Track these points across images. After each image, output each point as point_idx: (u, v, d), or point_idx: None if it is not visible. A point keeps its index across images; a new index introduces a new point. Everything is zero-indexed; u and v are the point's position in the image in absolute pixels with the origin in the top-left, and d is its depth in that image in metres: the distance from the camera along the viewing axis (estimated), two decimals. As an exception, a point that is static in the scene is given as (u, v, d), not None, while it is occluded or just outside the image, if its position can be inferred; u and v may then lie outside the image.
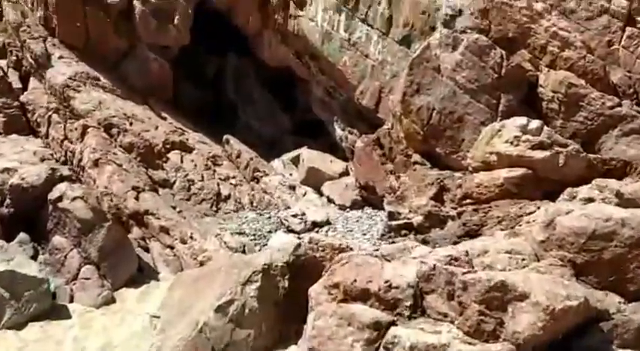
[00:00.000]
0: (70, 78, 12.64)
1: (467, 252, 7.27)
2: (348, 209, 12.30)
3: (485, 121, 10.22)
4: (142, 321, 8.52)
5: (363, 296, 6.72)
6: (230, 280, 7.54)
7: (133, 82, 14.10)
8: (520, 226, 8.33)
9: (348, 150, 14.20)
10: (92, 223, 9.01)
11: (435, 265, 6.69)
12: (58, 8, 13.30)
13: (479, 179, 9.37)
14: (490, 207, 9.07)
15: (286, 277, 7.78)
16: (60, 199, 9.07)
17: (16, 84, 12.82)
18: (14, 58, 13.31)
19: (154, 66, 14.28)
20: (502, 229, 8.64)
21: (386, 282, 6.66)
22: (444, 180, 10.05)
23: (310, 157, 13.86)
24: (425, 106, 10.63)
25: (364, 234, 11.00)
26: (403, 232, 10.26)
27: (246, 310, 7.43)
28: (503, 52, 10.14)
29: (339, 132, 14.35)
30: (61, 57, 13.14)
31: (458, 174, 10.07)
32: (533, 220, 8.11)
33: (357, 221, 11.71)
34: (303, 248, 8.25)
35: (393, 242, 10.39)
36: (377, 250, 10.22)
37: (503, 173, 9.08)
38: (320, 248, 9.22)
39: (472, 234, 9.12)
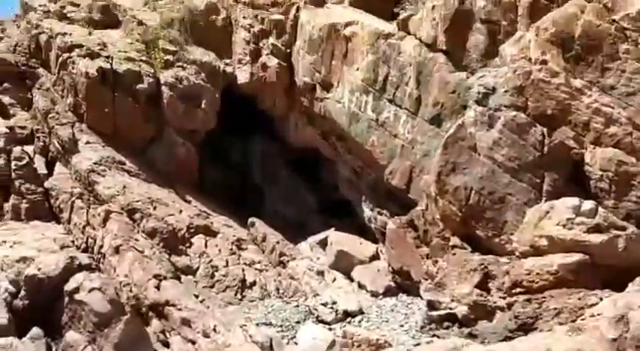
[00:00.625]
0: (95, 163, 12.14)
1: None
2: (381, 296, 11.20)
3: (529, 202, 9.31)
4: None
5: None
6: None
7: (160, 166, 13.58)
8: (583, 319, 7.19)
9: (377, 231, 13.29)
10: (109, 316, 8.09)
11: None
12: (87, 95, 13.04)
13: (529, 265, 8.33)
14: (545, 297, 7.97)
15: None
16: (76, 290, 8.22)
17: (42, 170, 12.33)
18: (41, 143, 12.92)
19: (180, 150, 13.80)
20: (561, 323, 7.50)
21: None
22: (489, 266, 9.02)
23: (339, 239, 12.93)
24: (462, 185, 9.80)
25: (401, 325, 9.85)
26: (445, 324, 9.13)
27: None
28: (544, 129, 9.37)
29: (367, 212, 13.51)
30: (87, 142, 12.71)
31: (503, 259, 9.04)
32: (598, 314, 6.97)
33: (392, 310, 10.59)
34: (337, 347, 7.17)
35: (435, 335, 9.26)
36: (418, 344, 9.13)
37: (557, 259, 8.05)
38: (356, 343, 8.15)
39: (526, 328, 7.97)
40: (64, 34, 13.93)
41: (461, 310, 8.91)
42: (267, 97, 14.80)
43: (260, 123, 15.39)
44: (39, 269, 8.54)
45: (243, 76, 14.89)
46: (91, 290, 8.13)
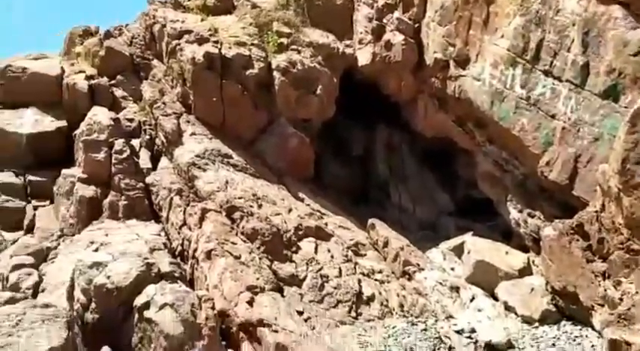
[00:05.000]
0: (197, 155, 10.59)
1: None
2: (537, 324, 8.31)
3: None
4: None
5: None
6: None
7: (270, 159, 11.76)
8: None
9: (528, 238, 10.33)
10: (182, 340, 6.29)
11: None
12: (193, 82, 11.60)
13: None
14: None
15: None
16: (147, 305, 6.54)
17: (146, 164, 11.07)
18: (147, 136, 11.72)
19: (293, 141, 11.88)
20: None
21: None
22: None
23: (478, 246, 10.16)
24: (662, 177, 6.63)
25: (569, 370, 6.94)
26: (639, 376, 6.08)
27: None
28: None
29: (514, 214, 10.59)
30: (193, 134, 11.24)
31: None
32: None
33: (554, 345, 7.68)
34: None
35: (623, 392, 6.22)
36: (597, 404, 6.18)
37: None
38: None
39: None
40: (176, 21, 12.70)
41: (666, 359, 5.82)
42: (391, 79, 12.48)
43: (384, 110, 13.08)
44: (108, 277, 7.02)
45: (364, 57, 12.72)
46: (162, 307, 6.40)
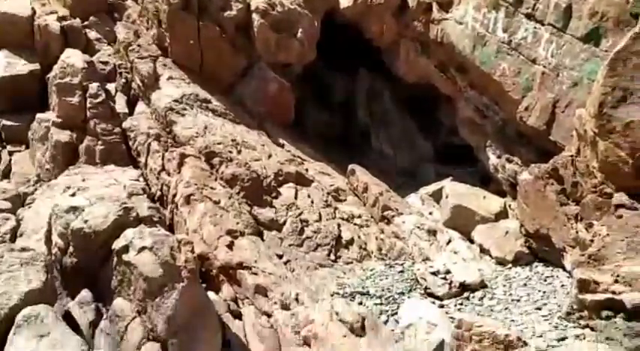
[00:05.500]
0: (175, 100, 10.38)
1: None
2: (510, 265, 8.53)
3: None
4: None
5: None
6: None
7: (250, 104, 11.59)
8: None
9: (506, 183, 10.44)
10: (161, 283, 6.35)
11: None
12: (170, 24, 11.22)
13: None
14: None
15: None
16: (125, 249, 6.56)
17: (122, 109, 10.82)
18: (123, 80, 11.41)
19: (273, 86, 11.68)
20: None
21: None
22: (678, 237, 5.98)
23: (456, 191, 10.26)
24: (637, 121, 6.66)
25: (538, 308, 7.16)
26: (605, 313, 6.32)
27: None
28: None
29: (493, 160, 10.66)
30: (170, 78, 10.98)
31: (703, 228, 5.95)
32: None
33: (525, 285, 7.89)
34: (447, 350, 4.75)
35: (589, 327, 6.49)
36: (563, 338, 6.44)
37: None
38: (475, 338, 5.67)
39: None
40: (151, -42, 12.13)
41: (631, 297, 6.07)
42: (373, 22, 12.23)
43: (366, 56, 12.83)
44: (85, 222, 6.98)
45: (346, -2, 12.34)
46: (141, 250, 6.42)
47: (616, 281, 6.32)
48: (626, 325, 6.07)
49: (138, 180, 9.13)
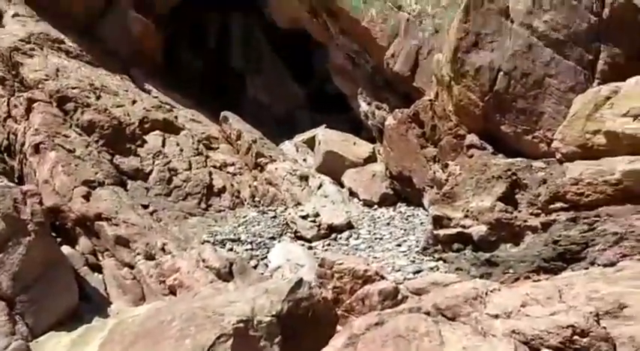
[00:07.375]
0: (21, 40, 9.33)
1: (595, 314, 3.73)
2: (375, 206, 8.88)
3: (576, 87, 6.62)
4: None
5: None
6: (183, 348, 4.20)
7: (112, 46, 10.74)
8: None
9: (375, 129, 10.73)
10: (5, 237, 5.80)
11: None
12: (14, -47, 9.98)
13: (577, 173, 5.79)
14: (598, 216, 5.52)
15: (276, 340, 4.39)
16: (-39, 202, 5.88)
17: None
18: (-40, 17, 10.07)
19: (136, 27, 10.89)
20: (624, 255, 5.10)
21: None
22: (518, 172, 6.49)
23: (328, 138, 10.39)
24: (487, 66, 7.04)
25: (399, 245, 7.54)
26: (456, 246, 6.79)
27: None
28: (607, -16, 6.47)
29: (364, 107, 10.87)
30: (16, 14, 9.84)
31: (538, 163, 6.50)
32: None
33: (389, 224, 8.27)
34: (306, 288, 4.84)
35: (442, 259, 6.95)
36: (419, 271, 6.86)
37: (620, 164, 5.49)
38: (336, 275, 5.84)
39: (569, 257, 5.60)
40: None
41: (478, 229, 6.53)
42: (244, -40, 11.69)
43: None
44: None
45: None
46: (-21, 202, 5.79)
47: (466, 216, 6.77)
48: (473, 256, 6.57)
49: (-19, 129, 8.18)
